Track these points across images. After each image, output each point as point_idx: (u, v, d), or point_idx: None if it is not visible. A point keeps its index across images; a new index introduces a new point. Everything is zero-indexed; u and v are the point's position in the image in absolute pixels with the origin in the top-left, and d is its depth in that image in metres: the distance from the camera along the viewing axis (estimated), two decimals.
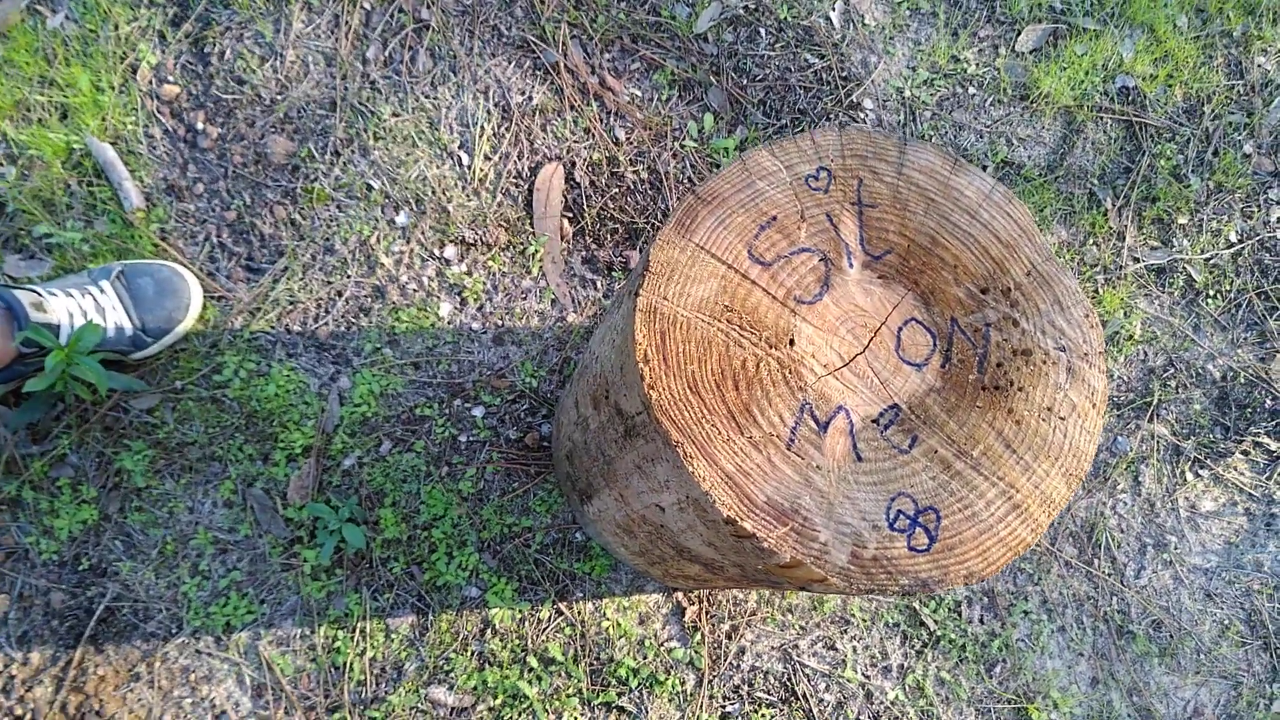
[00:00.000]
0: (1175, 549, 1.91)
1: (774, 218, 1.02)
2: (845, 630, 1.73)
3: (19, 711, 1.45)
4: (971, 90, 2.02)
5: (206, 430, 1.58)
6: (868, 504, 0.96)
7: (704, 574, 1.31)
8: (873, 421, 0.99)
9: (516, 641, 1.61)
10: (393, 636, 1.57)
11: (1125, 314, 1.99)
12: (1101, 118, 2.06)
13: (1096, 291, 1.98)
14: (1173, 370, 1.99)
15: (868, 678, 1.72)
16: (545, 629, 1.63)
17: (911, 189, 1.05)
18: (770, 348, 0.98)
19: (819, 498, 0.95)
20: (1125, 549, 1.89)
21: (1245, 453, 1.98)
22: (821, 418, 0.97)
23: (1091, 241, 2.01)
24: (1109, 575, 1.86)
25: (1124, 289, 1.99)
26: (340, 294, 1.66)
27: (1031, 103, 2.03)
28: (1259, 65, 2.15)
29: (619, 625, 1.65)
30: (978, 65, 2.03)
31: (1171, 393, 1.97)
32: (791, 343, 0.99)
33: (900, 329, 1.02)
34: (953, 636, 1.76)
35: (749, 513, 0.93)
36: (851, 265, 1.03)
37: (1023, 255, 1.05)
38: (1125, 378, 1.97)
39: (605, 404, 1.16)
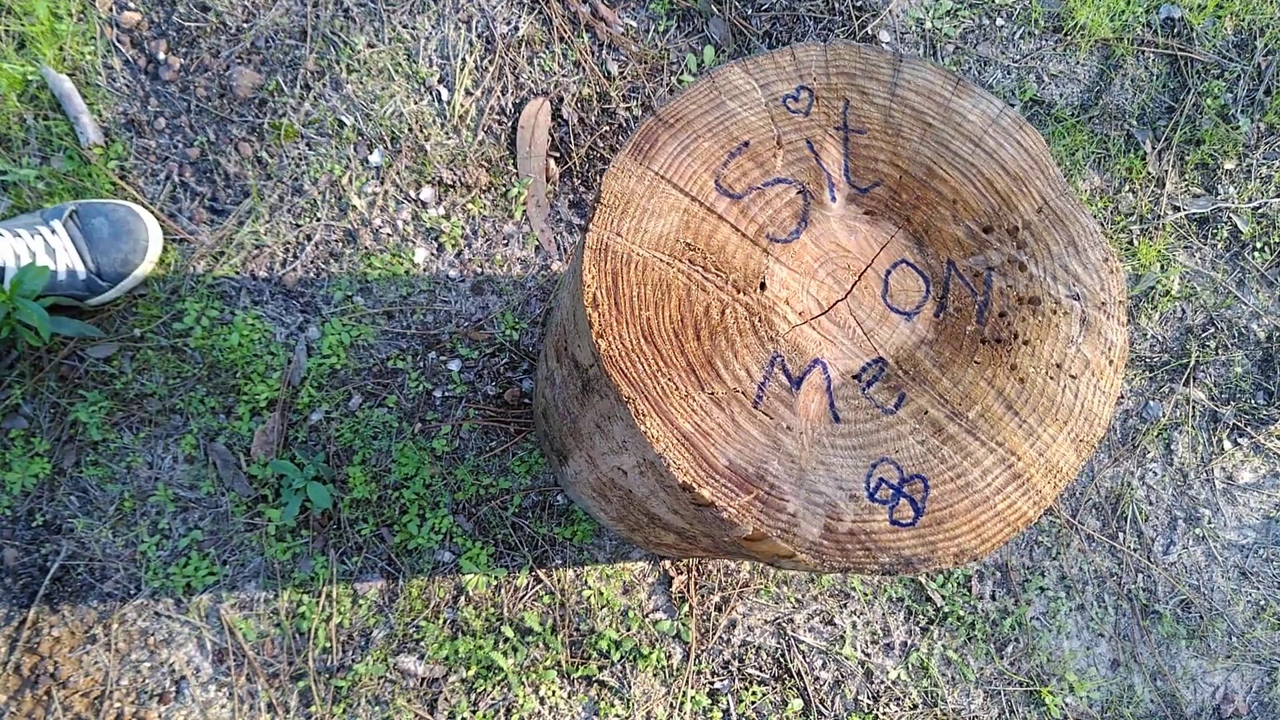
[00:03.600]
0: (1209, 523, 1.77)
1: (746, 143, 0.89)
2: (845, 605, 1.62)
3: None
4: (1000, 21, 1.86)
5: (167, 381, 1.49)
6: (845, 471, 0.84)
7: (680, 543, 1.20)
8: (854, 377, 0.86)
9: (491, 610, 1.52)
10: (360, 602, 1.49)
11: (1162, 267, 1.83)
12: (1143, 52, 1.89)
13: (1131, 243, 1.82)
14: (1213, 329, 1.83)
15: (868, 655, 1.61)
16: (522, 597, 1.53)
17: (906, 112, 0.92)
18: (738, 292, 0.86)
19: (789, 463, 0.83)
20: (1154, 522, 1.75)
21: None
22: (794, 372, 0.85)
23: (1128, 188, 1.84)
24: (1135, 550, 1.73)
25: (1162, 240, 1.83)
26: (309, 238, 1.56)
27: (1066, 35, 1.86)
28: None
29: (601, 594, 1.55)
30: None
31: (1211, 354, 1.82)
32: (762, 286, 0.86)
33: (888, 272, 0.89)
34: (961, 613, 1.64)
35: (708, 478, 0.82)
36: (834, 199, 0.90)
37: (1033, 189, 0.91)
38: (1160, 337, 1.82)
39: (565, 356, 1.05)
